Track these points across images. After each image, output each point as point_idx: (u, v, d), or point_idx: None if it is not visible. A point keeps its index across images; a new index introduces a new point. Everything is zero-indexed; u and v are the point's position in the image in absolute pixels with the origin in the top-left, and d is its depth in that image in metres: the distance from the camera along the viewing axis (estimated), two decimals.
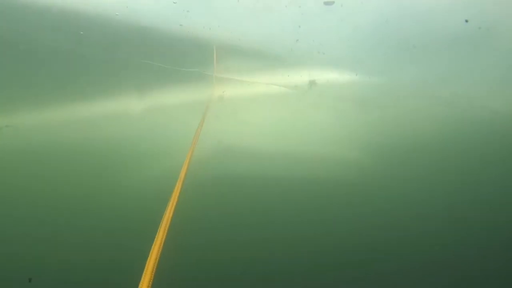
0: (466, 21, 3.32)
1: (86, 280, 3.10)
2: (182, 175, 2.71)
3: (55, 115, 4.42)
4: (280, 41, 4.07)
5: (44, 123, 4.40)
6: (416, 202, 4.15)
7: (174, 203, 2.10)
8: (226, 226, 3.81)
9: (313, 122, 4.61)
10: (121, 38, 4.21)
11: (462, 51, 3.76)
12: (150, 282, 1.70)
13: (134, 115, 4.62)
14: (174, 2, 3.92)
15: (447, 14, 3.62)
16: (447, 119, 4.32)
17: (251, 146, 4.67)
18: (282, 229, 3.91)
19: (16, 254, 3.18)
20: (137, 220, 3.24)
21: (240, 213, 3.98)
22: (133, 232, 3.12)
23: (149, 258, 1.84)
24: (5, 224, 3.27)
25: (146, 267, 1.78)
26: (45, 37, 4.06)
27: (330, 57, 4.14)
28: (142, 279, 1.72)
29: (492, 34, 3.62)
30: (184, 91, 4.80)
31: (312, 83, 4.24)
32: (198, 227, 3.44)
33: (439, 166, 4.34)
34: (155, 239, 1.97)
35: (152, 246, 1.91)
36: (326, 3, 3.62)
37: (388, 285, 3.73)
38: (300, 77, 4.31)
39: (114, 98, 4.56)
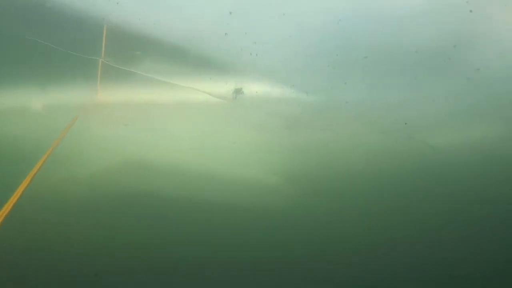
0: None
1: None
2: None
3: None
4: (206, 34, 3.37)
5: None
6: (339, 234, 3.70)
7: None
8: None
9: (235, 140, 3.91)
10: None
11: (419, 74, 3.28)
12: None
13: None
14: None
15: (416, 25, 3.15)
16: (382, 149, 3.82)
17: (158, 160, 3.91)
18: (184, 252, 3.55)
19: None
20: None
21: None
22: None
23: None
24: None
25: None
26: None
27: (263, 62, 3.50)
28: None
29: (462, 58, 3.19)
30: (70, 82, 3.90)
31: (238, 92, 3.55)
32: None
33: (367, 197, 3.88)
34: None
35: None
36: None
37: None
38: (225, 83, 3.60)
39: None
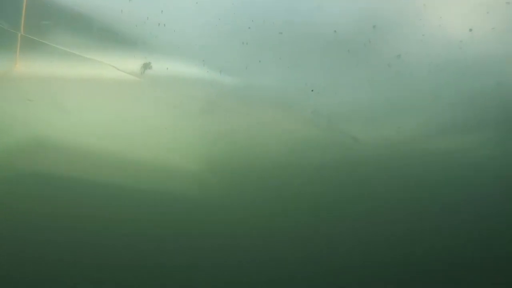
0: None
1: None
2: None
3: None
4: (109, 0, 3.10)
5: None
6: (255, 228, 3.50)
7: None
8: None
9: (147, 121, 3.64)
10: None
11: (339, 56, 3.09)
12: None
13: None
14: None
15: (334, 2, 2.96)
16: (304, 139, 3.62)
17: (66, 142, 3.61)
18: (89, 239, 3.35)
19: None
20: None
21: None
22: None
23: None
24: None
25: None
26: None
27: (176, 35, 3.25)
28: None
29: (382, 41, 3.02)
30: None
31: (146, 67, 3.28)
32: None
33: (288, 190, 3.67)
34: None
35: None
36: None
37: None
38: (133, 57, 3.33)
39: None
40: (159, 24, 3.01)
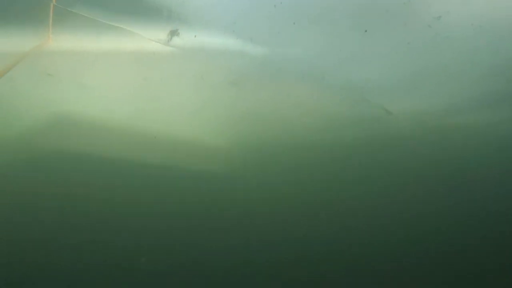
0: None
1: None
2: None
3: None
4: None
5: None
6: (281, 207, 3.36)
7: None
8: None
9: (173, 94, 3.51)
10: None
11: (373, 19, 2.94)
12: None
13: None
14: None
15: None
16: (333, 114, 3.46)
17: (94, 119, 3.49)
18: (118, 219, 3.22)
19: None
20: None
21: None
22: None
23: None
24: None
25: None
26: None
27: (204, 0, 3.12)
28: None
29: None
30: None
31: (173, 34, 3.15)
32: None
33: (319, 168, 3.52)
34: None
35: None
36: None
37: None
38: (159, 24, 3.20)
39: None
40: None
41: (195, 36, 3.16)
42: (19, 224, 3.28)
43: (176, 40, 3.10)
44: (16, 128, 3.33)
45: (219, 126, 3.54)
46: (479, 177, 3.63)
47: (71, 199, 3.32)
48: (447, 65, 3.21)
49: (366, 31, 3.03)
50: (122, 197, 3.40)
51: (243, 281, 3.27)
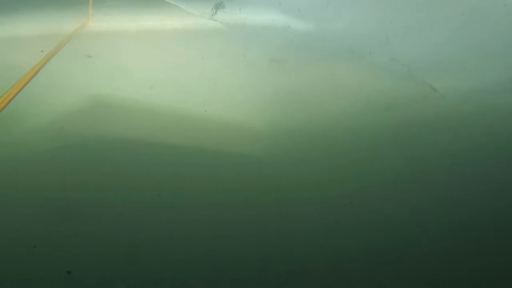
0: None
1: None
2: None
3: None
4: None
5: None
6: (326, 191, 3.20)
7: None
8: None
9: (215, 74, 3.41)
10: None
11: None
12: None
13: None
14: None
15: None
16: (382, 91, 3.33)
17: (134, 102, 3.40)
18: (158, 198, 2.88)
19: None
20: None
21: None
22: None
23: None
24: None
25: None
26: None
27: None
28: None
29: None
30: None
31: (218, 7, 3.07)
32: None
33: (364, 148, 3.37)
34: None
35: None
36: None
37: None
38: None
39: None
40: None
41: (239, 10, 3.07)
42: (65, 215, 3.10)
43: (220, 14, 3.02)
44: (55, 113, 3.25)
45: (257, 107, 3.44)
46: None
47: (111, 186, 3.19)
48: (502, 38, 3.09)
49: (417, 3, 2.92)
50: (165, 180, 3.28)
51: (281, 267, 3.08)
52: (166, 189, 3.28)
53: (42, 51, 3.20)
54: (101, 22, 3.18)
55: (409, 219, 3.23)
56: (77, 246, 2.12)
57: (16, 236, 2.06)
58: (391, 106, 3.54)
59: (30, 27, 3.33)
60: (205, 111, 3.34)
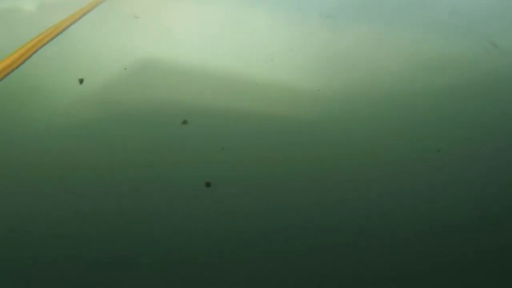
0: None
1: None
2: None
3: None
4: None
5: None
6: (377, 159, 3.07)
7: None
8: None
9: (263, 34, 3.30)
10: None
11: None
12: None
13: None
14: None
15: None
16: (437, 49, 3.18)
17: (185, 66, 3.31)
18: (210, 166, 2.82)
19: None
20: None
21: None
22: None
23: None
24: None
25: None
26: None
27: None
28: None
29: None
30: None
31: None
32: None
33: (414, 116, 3.23)
34: None
35: None
36: None
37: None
38: None
39: None
40: None
41: None
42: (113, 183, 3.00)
43: None
44: (100, 79, 3.18)
45: (308, 68, 3.34)
46: None
47: (160, 153, 3.10)
48: None
49: None
50: (218, 149, 3.19)
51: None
52: (220, 157, 3.18)
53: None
54: None
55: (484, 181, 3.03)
56: None
57: None
58: (449, 65, 3.40)
59: None
60: (258, 72, 3.24)
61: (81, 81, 3.19)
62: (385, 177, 3.23)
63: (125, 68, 3.31)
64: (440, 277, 1.71)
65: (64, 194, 1.95)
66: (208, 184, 2.45)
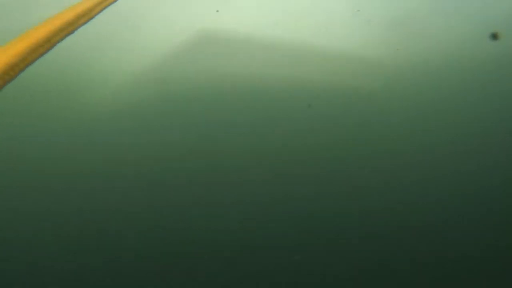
0: None
1: None
2: None
3: None
4: None
5: None
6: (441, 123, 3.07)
7: None
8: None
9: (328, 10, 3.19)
10: None
11: None
12: None
13: None
14: None
15: None
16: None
17: (249, 37, 3.22)
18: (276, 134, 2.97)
19: None
20: None
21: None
22: None
23: None
24: None
25: None
26: None
27: None
28: None
29: None
30: None
31: None
32: None
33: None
34: None
35: None
36: None
37: None
38: None
39: None
40: None
41: None
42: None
43: None
44: (155, 54, 3.12)
45: (367, 36, 3.27)
46: None
47: (218, 126, 3.14)
48: None
49: None
50: (280, 120, 3.23)
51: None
52: (281, 128, 3.24)
53: None
54: None
55: None
56: None
57: None
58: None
59: None
60: (311, 42, 3.19)
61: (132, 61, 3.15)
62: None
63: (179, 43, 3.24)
64: None
65: None
66: None
